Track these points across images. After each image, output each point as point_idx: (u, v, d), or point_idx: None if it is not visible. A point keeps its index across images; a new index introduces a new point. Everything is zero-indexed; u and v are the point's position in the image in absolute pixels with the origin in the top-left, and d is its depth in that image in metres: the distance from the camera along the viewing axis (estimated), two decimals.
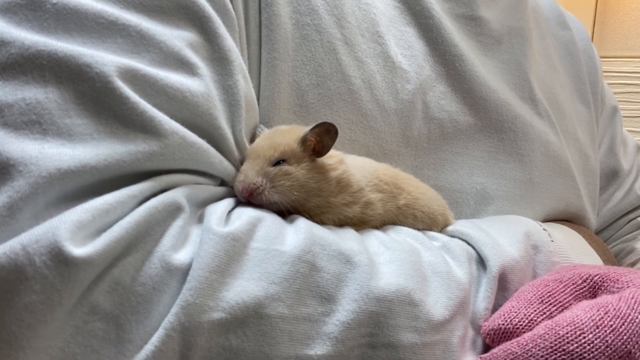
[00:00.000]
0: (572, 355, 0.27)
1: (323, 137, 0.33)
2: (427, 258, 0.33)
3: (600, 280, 0.32)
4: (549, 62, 0.54)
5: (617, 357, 0.27)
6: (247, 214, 0.30)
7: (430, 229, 0.39)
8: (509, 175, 0.47)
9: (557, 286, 0.32)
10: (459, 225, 0.40)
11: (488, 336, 0.32)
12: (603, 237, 0.63)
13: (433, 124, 0.43)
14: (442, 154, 0.44)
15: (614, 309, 0.28)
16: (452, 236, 0.39)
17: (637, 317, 0.28)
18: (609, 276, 0.32)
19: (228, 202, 0.31)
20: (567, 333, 0.28)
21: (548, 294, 0.32)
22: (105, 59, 0.28)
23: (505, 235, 0.38)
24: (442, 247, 0.36)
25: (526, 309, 0.31)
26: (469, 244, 0.37)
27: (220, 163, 0.32)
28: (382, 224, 0.37)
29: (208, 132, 0.31)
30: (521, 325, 0.30)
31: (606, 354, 0.27)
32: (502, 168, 0.47)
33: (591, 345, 0.27)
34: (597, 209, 0.61)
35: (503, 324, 0.31)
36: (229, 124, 0.32)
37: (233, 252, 0.28)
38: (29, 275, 0.24)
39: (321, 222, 0.34)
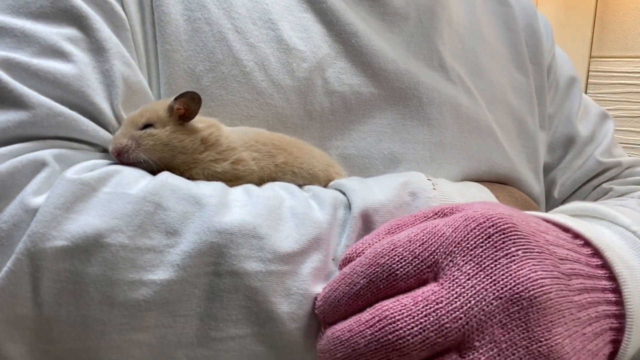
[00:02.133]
0: (384, 267, 0.29)
1: (189, 104, 0.38)
2: (289, 203, 0.36)
3: (450, 212, 0.33)
4: (475, 35, 0.58)
5: (424, 266, 0.28)
6: (108, 167, 0.34)
7: (312, 184, 0.42)
8: (417, 139, 0.50)
9: (408, 219, 0.33)
10: (340, 179, 0.42)
11: (340, 267, 0.34)
12: None
13: (335, 97, 0.47)
14: (349, 125, 0.48)
15: (432, 226, 0.30)
16: (330, 188, 0.41)
17: (448, 232, 0.29)
18: (459, 207, 0.33)
19: (96, 161, 0.35)
20: (383, 249, 0.30)
21: (396, 226, 0.33)
22: None
23: (380, 184, 0.40)
24: (311, 196, 0.38)
25: (372, 239, 0.33)
26: (344, 194, 0.39)
27: (94, 131, 0.36)
28: (260, 181, 0.41)
29: (82, 106, 0.36)
30: (364, 253, 0.32)
31: (414, 264, 0.29)
32: (409, 132, 0.49)
33: (400, 257, 0.29)
34: (554, 178, 0.63)
35: (349, 253, 0.33)
36: (107, 101, 0.38)
37: (80, 193, 0.31)
38: None
39: (191, 177, 0.38)
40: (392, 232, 0.33)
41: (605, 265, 0.32)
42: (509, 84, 0.59)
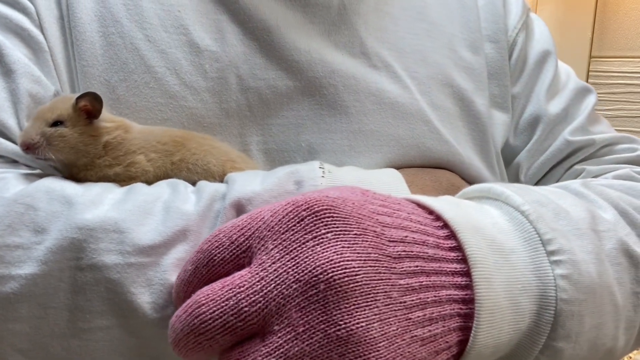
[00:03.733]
0: (205, 253, 0.30)
1: (93, 103, 0.41)
2: (166, 197, 0.37)
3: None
4: (414, 16, 0.57)
5: (239, 252, 0.29)
6: None
7: (207, 179, 0.43)
8: (334, 128, 0.49)
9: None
10: (234, 173, 0.42)
11: None
12: None
13: (250, 93, 0.48)
14: (268, 120, 0.48)
15: (257, 212, 0.30)
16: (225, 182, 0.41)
17: (267, 217, 0.29)
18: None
19: None
20: (209, 236, 0.30)
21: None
22: None
23: (268, 175, 0.39)
24: (194, 190, 0.39)
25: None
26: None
27: (0, 144, 0.41)
28: (157, 179, 0.43)
29: None
30: None
31: (230, 249, 0.29)
32: (326, 122, 0.49)
33: (219, 243, 0.29)
34: (519, 162, 0.59)
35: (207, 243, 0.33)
36: (14, 117, 0.42)
37: None
38: None
39: (85, 179, 0.41)
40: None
41: (460, 248, 0.30)
42: (454, 64, 0.56)
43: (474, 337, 0.29)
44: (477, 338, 0.29)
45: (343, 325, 0.25)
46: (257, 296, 0.27)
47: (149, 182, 0.41)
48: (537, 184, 0.60)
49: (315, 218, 0.28)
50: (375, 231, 0.28)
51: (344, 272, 0.26)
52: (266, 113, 0.48)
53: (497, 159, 0.58)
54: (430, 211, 0.32)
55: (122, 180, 0.42)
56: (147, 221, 0.35)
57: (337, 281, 0.26)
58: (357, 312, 0.26)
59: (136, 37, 0.47)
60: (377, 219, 0.29)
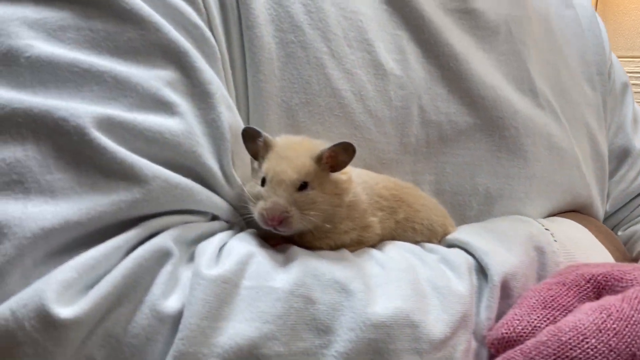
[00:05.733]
0: None
1: (343, 155, 0.33)
2: (425, 274, 0.33)
3: (604, 280, 0.32)
4: (553, 47, 0.52)
5: None
6: (237, 251, 0.30)
7: (430, 241, 0.39)
8: (512, 173, 0.46)
9: (560, 289, 0.32)
10: (457, 233, 0.39)
11: (492, 346, 0.31)
12: (616, 219, 0.60)
13: (431, 127, 0.42)
14: (442, 157, 0.43)
15: (617, 310, 0.28)
16: (451, 245, 0.38)
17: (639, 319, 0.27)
18: (613, 275, 0.31)
19: (219, 239, 0.31)
20: (569, 339, 0.27)
21: (551, 299, 0.31)
22: (80, 110, 0.27)
23: (506, 240, 0.37)
24: (440, 259, 0.35)
25: (529, 316, 0.30)
26: (468, 252, 0.36)
27: (208, 199, 0.32)
28: (380, 241, 0.37)
29: (193, 169, 0.31)
30: (524, 332, 0.30)
31: (610, 358, 0.27)
32: (503, 166, 0.45)
33: (594, 350, 0.27)
34: (608, 191, 0.59)
35: (507, 333, 0.30)
36: (215, 158, 0.32)
37: (224, 295, 0.27)
38: (20, 340, 0.25)
39: (319, 247, 0.34)
40: (548, 307, 0.31)
41: None
42: (584, 101, 0.54)
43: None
44: None
45: None
46: None
47: (372, 246, 0.36)
48: (614, 213, 0.61)
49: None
50: None
51: None
52: (441, 150, 0.43)
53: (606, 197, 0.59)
54: None
55: (351, 246, 0.34)
56: (427, 308, 0.31)
57: None
58: None
59: (321, 51, 0.38)
60: None
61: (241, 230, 0.34)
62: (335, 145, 0.32)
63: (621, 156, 0.60)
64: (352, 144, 0.32)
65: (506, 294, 0.34)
